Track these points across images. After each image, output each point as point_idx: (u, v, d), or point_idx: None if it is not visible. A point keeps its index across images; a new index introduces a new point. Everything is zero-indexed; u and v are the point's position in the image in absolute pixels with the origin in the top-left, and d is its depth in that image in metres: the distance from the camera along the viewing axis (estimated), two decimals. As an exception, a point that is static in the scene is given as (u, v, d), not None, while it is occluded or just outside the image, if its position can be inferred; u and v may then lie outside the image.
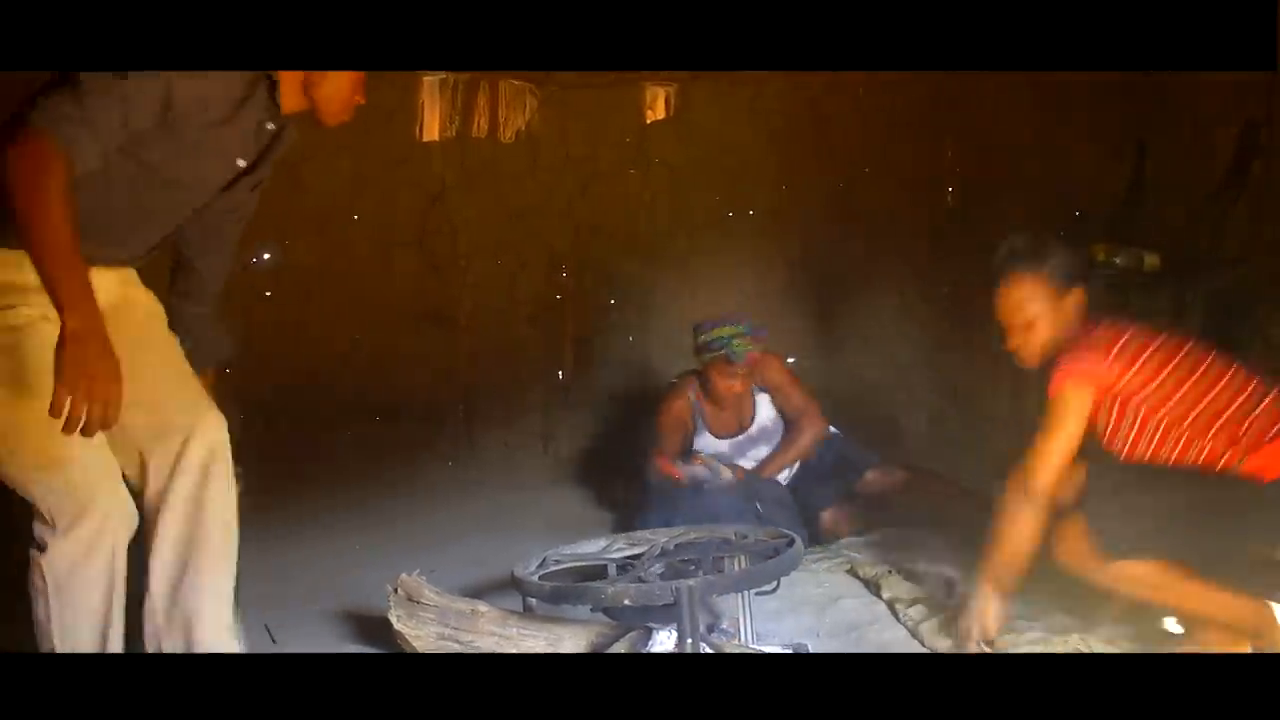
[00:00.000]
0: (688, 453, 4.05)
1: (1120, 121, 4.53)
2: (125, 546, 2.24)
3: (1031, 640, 2.76)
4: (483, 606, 2.75)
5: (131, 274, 2.47)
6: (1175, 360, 2.54)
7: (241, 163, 2.38)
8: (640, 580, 2.55)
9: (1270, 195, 4.03)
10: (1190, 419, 2.51)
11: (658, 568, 2.68)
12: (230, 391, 4.82)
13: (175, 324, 2.61)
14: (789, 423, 4.12)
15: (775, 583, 2.71)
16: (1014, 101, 4.85)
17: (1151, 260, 4.15)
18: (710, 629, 2.65)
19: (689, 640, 2.34)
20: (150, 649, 2.34)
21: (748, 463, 4.06)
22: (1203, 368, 2.54)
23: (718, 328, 3.91)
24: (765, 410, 4.13)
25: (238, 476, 2.66)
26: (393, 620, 2.75)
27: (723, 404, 4.08)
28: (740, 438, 4.12)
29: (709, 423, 4.13)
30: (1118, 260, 4.13)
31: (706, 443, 4.10)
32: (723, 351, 3.88)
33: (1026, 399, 4.87)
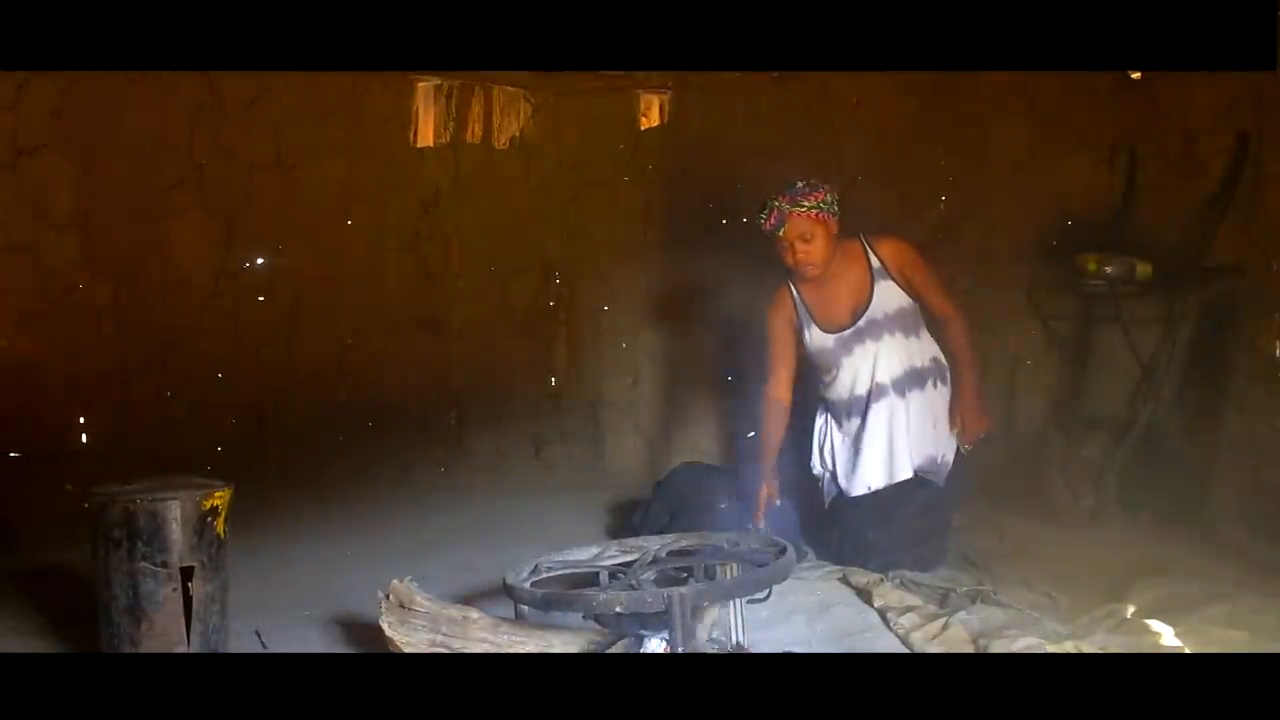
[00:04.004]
0: (804, 353, 3.93)
1: (1112, 131, 4.55)
2: None
3: (1026, 646, 2.76)
4: (474, 613, 2.75)
5: None
6: None
7: None
8: (632, 587, 2.55)
9: (1260, 204, 4.05)
10: None
11: (650, 575, 2.68)
12: (221, 395, 4.84)
13: None
14: (934, 327, 3.88)
15: (767, 591, 2.71)
16: (1006, 110, 4.86)
17: (1143, 269, 4.16)
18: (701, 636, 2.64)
19: (680, 648, 2.33)
20: None
21: (858, 359, 3.81)
22: None
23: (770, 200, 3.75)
24: (885, 300, 3.82)
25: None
26: (384, 626, 2.74)
27: (811, 282, 3.85)
28: (848, 332, 3.84)
29: (814, 314, 3.90)
30: (1109, 269, 4.14)
31: (816, 338, 3.88)
32: (769, 216, 3.72)
33: (1018, 403, 4.89)
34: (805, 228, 3.72)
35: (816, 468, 4.06)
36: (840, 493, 3.94)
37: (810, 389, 4.10)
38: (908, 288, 3.84)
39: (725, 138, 5.58)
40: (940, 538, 3.83)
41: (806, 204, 3.71)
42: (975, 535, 4.16)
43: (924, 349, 3.89)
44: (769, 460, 3.88)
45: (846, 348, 3.86)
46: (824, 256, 3.77)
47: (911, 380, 3.84)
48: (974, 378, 3.86)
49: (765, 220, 3.74)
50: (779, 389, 3.91)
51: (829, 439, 4.03)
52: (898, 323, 3.83)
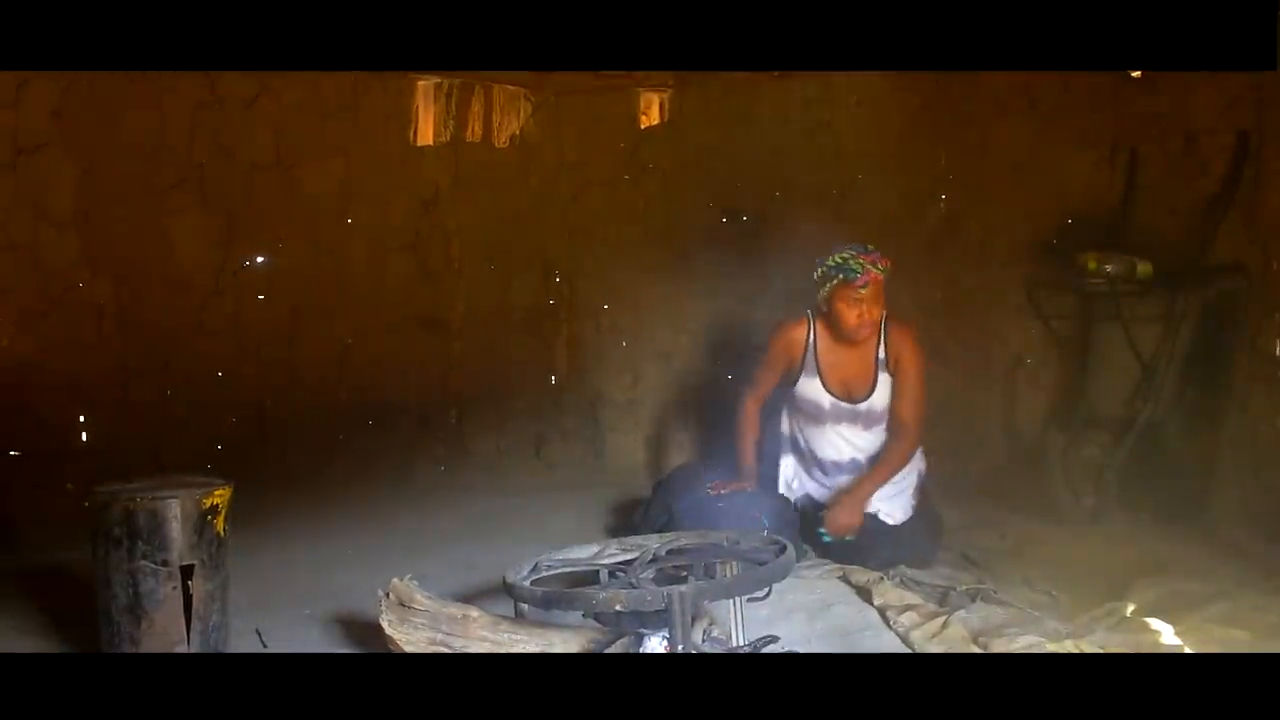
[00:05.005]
0: (785, 390, 3.97)
1: (1112, 130, 4.55)
2: None
3: (1026, 645, 2.76)
4: (474, 611, 2.75)
5: None
6: None
7: None
8: (632, 586, 2.55)
9: (1261, 204, 4.05)
10: None
11: (649, 573, 2.68)
12: (222, 394, 4.84)
13: None
14: (888, 426, 3.88)
15: (767, 589, 2.71)
16: (1006, 110, 4.86)
17: (1144, 268, 4.16)
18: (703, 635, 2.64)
19: (680, 646, 2.34)
20: None
21: (845, 431, 3.88)
22: None
23: (833, 255, 3.73)
24: (882, 394, 3.85)
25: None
26: (384, 625, 2.75)
27: (830, 335, 3.87)
28: (844, 406, 3.87)
29: (822, 367, 3.89)
30: (1109, 268, 4.14)
31: (813, 389, 3.89)
32: (840, 273, 3.70)
33: (1018, 402, 4.89)
34: (876, 290, 3.75)
35: (786, 494, 4.07)
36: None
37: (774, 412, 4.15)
38: (894, 376, 3.86)
39: (725, 137, 5.59)
40: (930, 538, 3.84)
41: (880, 267, 3.73)
42: (976, 534, 4.16)
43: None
44: (749, 461, 4.02)
45: (837, 417, 3.91)
46: (879, 321, 3.81)
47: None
48: (874, 486, 3.77)
49: (859, 276, 3.69)
50: (754, 401, 4.05)
51: (798, 480, 4.08)
52: (879, 419, 3.89)
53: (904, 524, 3.78)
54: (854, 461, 3.91)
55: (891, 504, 3.79)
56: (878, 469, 3.80)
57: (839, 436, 3.91)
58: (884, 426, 3.88)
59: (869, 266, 3.69)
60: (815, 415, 3.92)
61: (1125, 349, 4.26)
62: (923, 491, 3.92)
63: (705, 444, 5.57)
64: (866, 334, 3.79)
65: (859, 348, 3.85)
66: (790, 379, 3.96)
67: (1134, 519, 4.20)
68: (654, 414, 5.80)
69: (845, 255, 3.72)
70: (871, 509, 3.75)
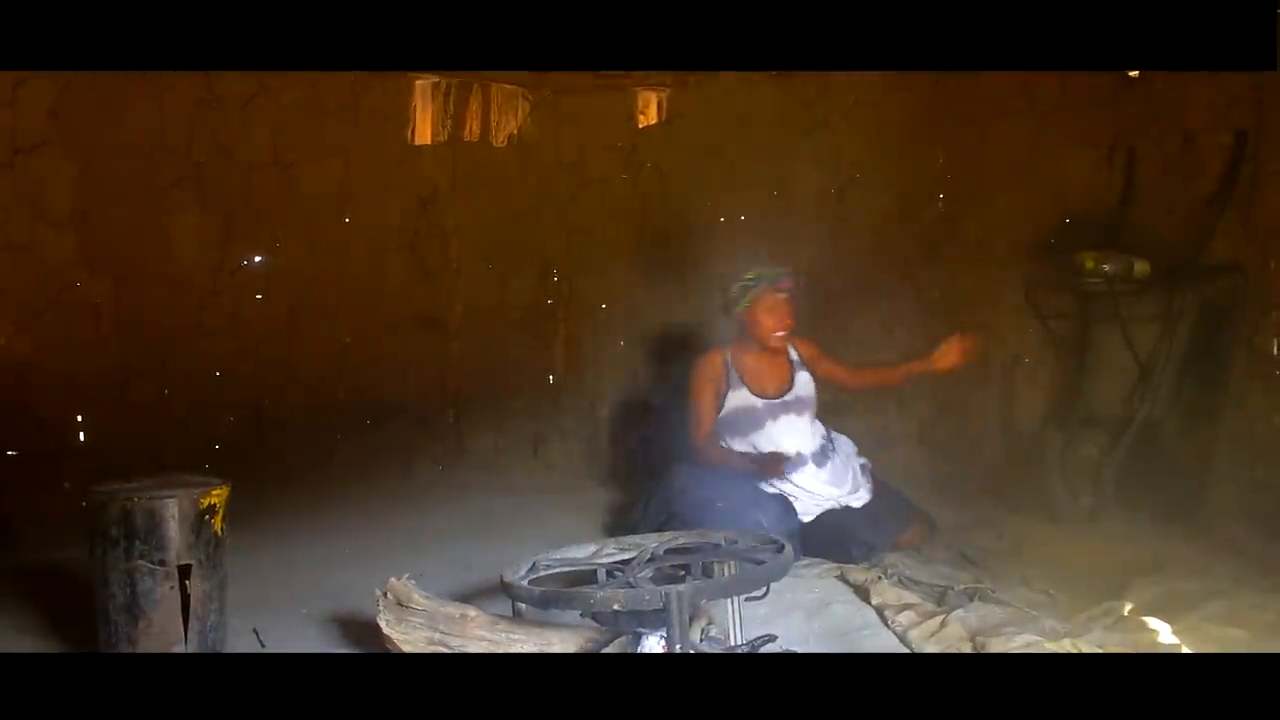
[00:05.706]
0: (723, 415, 4.18)
1: (1111, 130, 4.55)
2: None
3: (1024, 644, 2.77)
4: (472, 611, 2.75)
5: None
6: None
7: None
8: (630, 585, 2.55)
9: (1258, 203, 4.05)
10: None
11: (647, 573, 2.68)
12: (220, 394, 4.84)
13: None
14: (852, 385, 4.50)
15: (765, 588, 2.71)
16: (1006, 110, 4.86)
17: (1141, 267, 4.16)
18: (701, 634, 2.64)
19: (678, 645, 2.34)
20: None
21: (784, 426, 4.11)
22: None
23: (747, 272, 4.11)
24: (803, 385, 4.21)
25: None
26: (382, 624, 2.75)
27: (746, 353, 4.18)
28: (775, 401, 4.15)
29: (746, 378, 4.17)
30: (1107, 267, 4.14)
31: (743, 398, 4.14)
32: (761, 282, 4.05)
33: (1016, 401, 4.89)
34: (790, 299, 4.15)
35: None
36: None
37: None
38: (814, 377, 4.26)
39: (725, 137, 5.58)
40: (895, 519, 3.98)
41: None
42: (974, 533, 4.17)
43: (819, 430, 4.24)
44: (748, 456, 4.13)
45: (774, 414, 4.14)
46: (792, 328, 4.17)
47: (821, 454, 4.15)
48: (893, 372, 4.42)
49: (783, 279, 4.08)
50: (707, 435, 4.19)
51: None
52: (808, 405, 4.21)
53: (869, 504, 4.04)
54: (800, 457, 4.09)
55: (854, 495, 4.07)
56: (884, 368, 4.48)
57: (780, 433, 4.12)
58: (804, 416, 4.16)
59: (788, 274, 4.11)
60: (753, 421, 4.14)
61: (1123, 348, 4.26)
62: (873, 478, 4.19)
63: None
64: (781, 340, 4.14)
65: (773, 357, 4.20)
66: (718, 406, 4.19)
67: (1132, 518, 4.20)
68: (652, 414, 5.80)
69: (759, 269, 4.11)
70: (840, 503, 4.03)
